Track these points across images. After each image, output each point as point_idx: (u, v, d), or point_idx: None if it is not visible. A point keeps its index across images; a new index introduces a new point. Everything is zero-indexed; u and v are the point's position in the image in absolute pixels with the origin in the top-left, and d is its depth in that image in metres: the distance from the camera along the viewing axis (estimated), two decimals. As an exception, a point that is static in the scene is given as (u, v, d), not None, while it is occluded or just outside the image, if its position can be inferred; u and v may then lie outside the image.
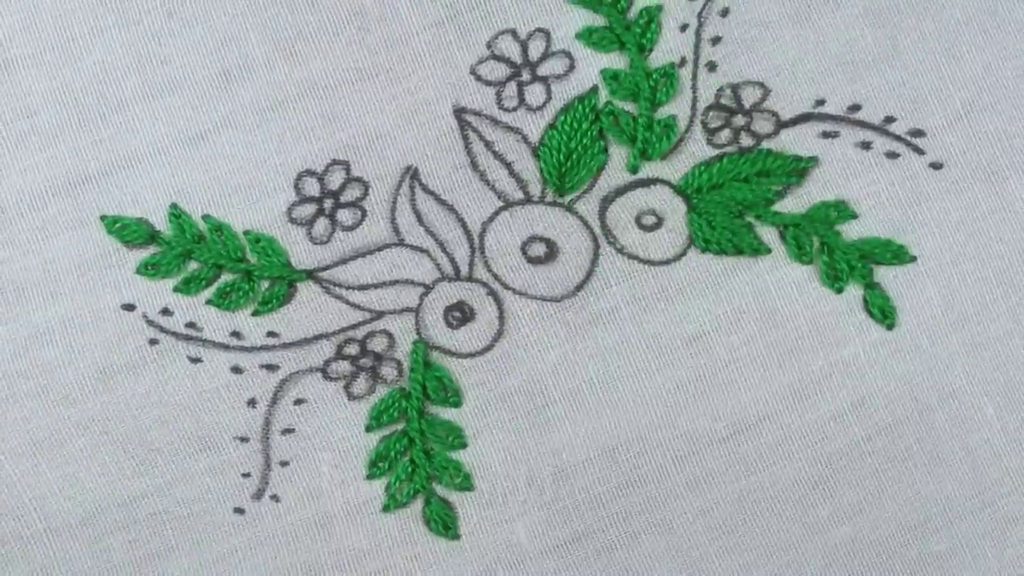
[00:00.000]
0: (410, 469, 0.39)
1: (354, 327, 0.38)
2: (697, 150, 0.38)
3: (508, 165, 0.37)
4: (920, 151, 0.38)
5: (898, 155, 0.38)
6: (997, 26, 0.37)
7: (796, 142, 0.38)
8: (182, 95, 0.36)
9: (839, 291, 0.38)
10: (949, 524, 0.39)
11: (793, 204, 0.38)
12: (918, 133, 0.38)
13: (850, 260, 0.38)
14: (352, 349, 0.38)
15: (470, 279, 0.38)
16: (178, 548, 0.38)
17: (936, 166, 0.38)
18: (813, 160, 0.38)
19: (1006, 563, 0.40)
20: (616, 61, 0.37)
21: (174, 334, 0.37)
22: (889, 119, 0.38)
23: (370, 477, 0.39)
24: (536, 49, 0.37)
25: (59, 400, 0.37)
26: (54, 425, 0.37)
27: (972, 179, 0.38)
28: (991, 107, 0.38)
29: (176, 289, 0.37)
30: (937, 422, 0.39)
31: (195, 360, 0.38)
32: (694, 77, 0.37)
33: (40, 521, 0.38)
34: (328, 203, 0.37)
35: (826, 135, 0.37)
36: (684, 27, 0.37)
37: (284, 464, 0.38)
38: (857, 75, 0.37)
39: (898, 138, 0.38)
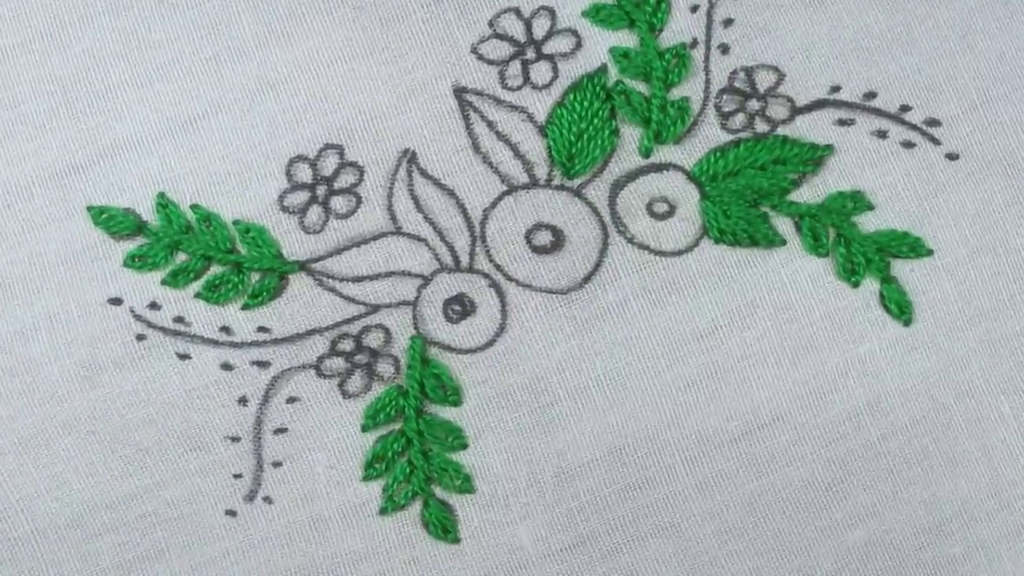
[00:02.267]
0: (408, 470, 0.38)
1: (348, 321, 0.37)
2: (711, 134, 0.37)
3: (513, 146, 0.37)
4: (936, 141, 0.37)
5: (914, 145, 0.37)
6: (1010, 15, 0.37)
7: (811, 129, 0.37)
8: (172, 81, 0.36)
9: (856, 285, 0.38)
10: (965, 526, 0.39)
11: (808, 194, 0.38)
12: (934, 122, 0.37)
13: (867, 253, 0.37)
14: (347, 345, 0.37)
15: (471, 270, 0.37)
16: (168, 551, 0.38)
17: (952, 156, 0.37)
18: (829, 148, 0.37)
19: (1021, 566, 0.39)
20: (624, 40, 0.37)
21: (162, 329, 0.37)
22: (905, 107, 0.37)
23: (366, 479, 0.38)
24: (541, 27, 0.37)
25: (45, 398, 0.37)
26: (40, 424, 0.37)
27: (988, 170, 0.37)
28: (1006, 96, 0.37)
29: (164, 282, 0.37)
30: (954, 421, 0.38)
31: (183, 356, 0.37)
32: (706, 59, 0.37)
33: (27, 523, 0.37)
34: (321, 190, 0.37)
35: (842, 123, 0.37)
36: (695, 8, 0.37)
37: (277, 465, 0.38)
38: (872, 61, 0.37)
39: (914, 127, 0.37)
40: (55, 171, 0.36)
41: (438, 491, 0.38)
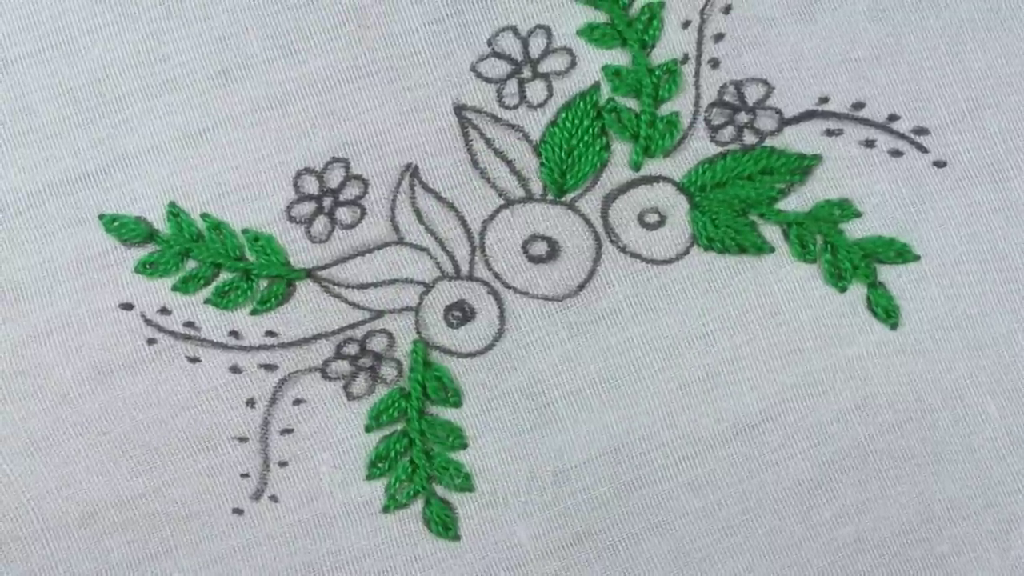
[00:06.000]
0: (410, 470, 0.38)
1: (353, 326, 0.38)
2: (700, 147, 0.38)
3: (509, 163, 0.37)
4: (924, 149, 0.38)
5: (902, 153, 0.38)
6: (1000, 24, 0.37)
7: (800, 140, 0.37)
8: (181, 93, 0.36)
9: (842, 290, 0.38)
10: (952, 525, 0.39)
11: (796, 202, 0.38)
12: (922, 131, 0.38)
13: (853, 259, 0.38)
14: (351, 349, 0.38)
15: (470, 278, 0.38)
16: (177, 548, 0.38)
17: (940, 164, 0.38)
18: (817, 158, 0.37)
19: (1009, 564, 0.40)
20: (618, 58, 0.37)
21: (172, 333, 0.37)
22: (893, 117, 0.37)
23: (370, 478, 0.39)
24: (537, 46, 0.37)
25: (57, 400, 0.37)
26: (52, 425, 0.37)
27: (976, 178, 0.38)
28: (995, 106, 0.37)
29: (174, 288, 0.37)
30: (940, 422, 0.39)
31: (193, 360, 0.38)
32: (697, 74, 0.37)
33: (38, 521, 0.38)
34: (327, 201, 0.37)
35: (830, 133, 0.37)
36: (686, 23, 0.37)
37: (283, 464, 0.38)
38: (861, 72, 0.37)
39: (902, 136, 0.38)
40: (67, 180, 0.36)
41: (439, 490, 0.38)
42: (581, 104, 0.37)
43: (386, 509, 0.39)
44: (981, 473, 0.39)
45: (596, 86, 0.37)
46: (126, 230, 0.37)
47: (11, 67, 0.36)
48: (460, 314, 0.38)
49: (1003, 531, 0.39)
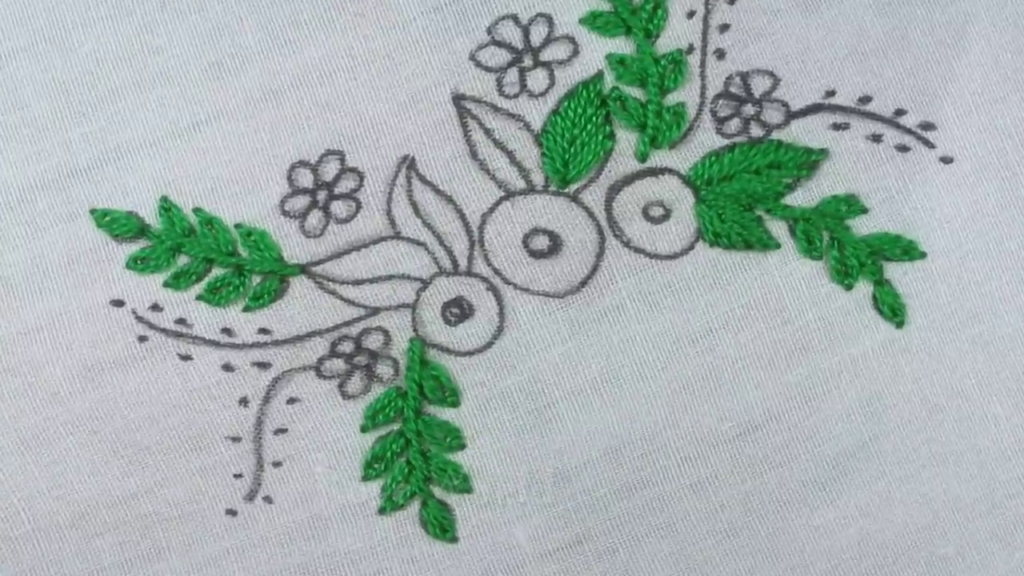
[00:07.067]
0: (407, 470, 0.38)
1: (348, 324, 0.38)
2: (706, 139, 0.37)
3: (509, 153, 0.37)
4: (931, 145, 0.38)
5: (909, 149, 0.38)
6: (1006, 18, 0.37)
7: (806, 133, 0.37)
8: (174, 86, 0.36)
9: (849, 288, 0.38)
10: (957, 526, 0.39)
11: (803, 198, 0.38)
12: (929, 126, 0.37)
13: (860, 256, 0.38)
14: (346, 346, 0.38)
15: (469, 273, 0.38)
16: (169, 550, 0.38)
17: (946, 160, 0.38)
18: (824, 152, 0.37)
19: (1014, 566, 0.39)
20: (621, 47, 0.37)
21: (163, 331, 0.37)
22: (900, 111, 0.37)
23: (366, 478, 0.38)
24: (538, 34, 0.37)
25: (47, 398, 0.37)
26: (42, 423, 0.37)
27: (982, 174, 0.38)
28: (1001, 101, 0.37)
29: (166, 284, 0.37)
30: (946, 422, 0.39)
31: (185, 357, 0.37)
32: (702, 64, 0.37)
33: (28, 522, 0.38)
34: (322, 195, 0.37)
35: (837, 127, 0.37)
36: (691, 13, 0.37)
37: (277, 465, 0.38)
38: (867, 66, 0.37)
39: (909, 131, 0.37)
40: (58, 174, 0.36)
41: (436, 491, 0.38)
42: (584, 92, 0.37)
43: (382, 511, 0.38)
44: (987, 474, 0.39)
45: (599, 74, 0.37)
46: (117, 225, 0.36)
47: (4, 61, 0.36)
48: (458, 311, 0.37)
49: (1009, 533, 0.39)
